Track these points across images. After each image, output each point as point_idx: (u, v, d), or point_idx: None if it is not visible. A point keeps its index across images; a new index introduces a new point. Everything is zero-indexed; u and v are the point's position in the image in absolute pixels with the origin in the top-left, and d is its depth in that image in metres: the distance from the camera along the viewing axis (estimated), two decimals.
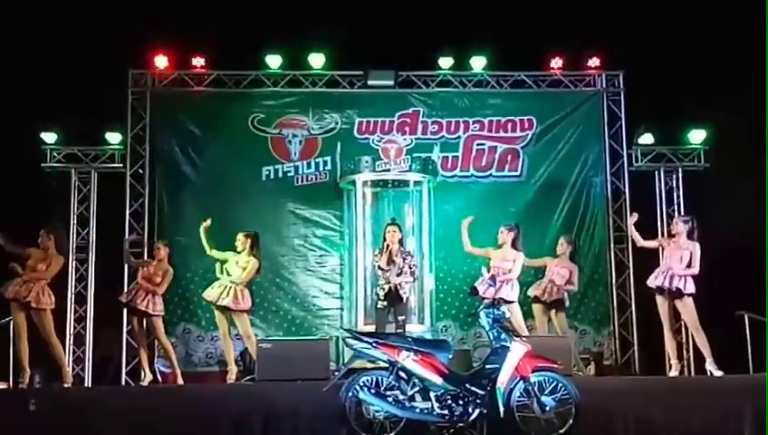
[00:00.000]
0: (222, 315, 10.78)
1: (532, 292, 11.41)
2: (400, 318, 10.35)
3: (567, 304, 11.47)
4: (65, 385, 10.12)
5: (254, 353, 9.99)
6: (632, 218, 10.89)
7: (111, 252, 12.33)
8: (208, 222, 11.09)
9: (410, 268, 10.61)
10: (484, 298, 10.07)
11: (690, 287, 10.11)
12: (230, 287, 10.69)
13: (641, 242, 10.82)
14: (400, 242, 10.75)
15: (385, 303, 10.48)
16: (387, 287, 10.47)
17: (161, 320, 10.92)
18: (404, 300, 10.53)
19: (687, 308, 10.15)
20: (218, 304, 10.69)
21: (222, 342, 11.09)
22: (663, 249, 10.47)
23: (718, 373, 9.92)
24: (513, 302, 10.67)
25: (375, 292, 10.81)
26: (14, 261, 9.99)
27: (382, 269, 10.54)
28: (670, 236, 10.66)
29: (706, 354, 10.11)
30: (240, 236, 10.96)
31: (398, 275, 10.50)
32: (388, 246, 10.58)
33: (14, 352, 9.88)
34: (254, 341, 10.36)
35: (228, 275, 10.80)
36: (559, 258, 11.45)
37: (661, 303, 10.31)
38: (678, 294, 10.09)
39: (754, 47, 11.46)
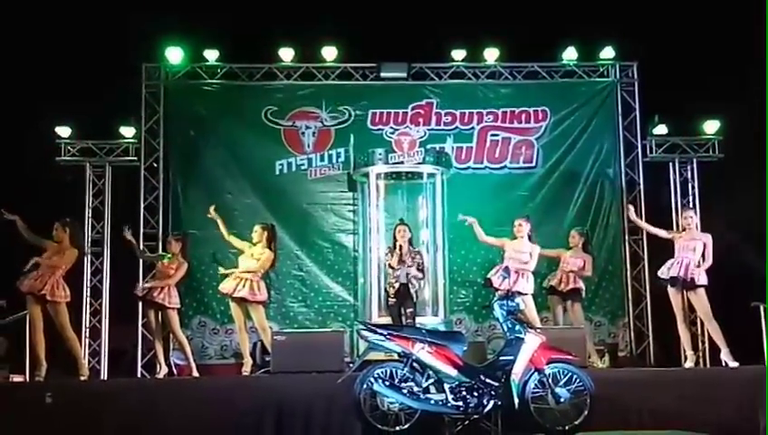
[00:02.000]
0: (238, 308, 10.80)
1: (547, 283, 11.41)
2: (409, 311, 10.47)
3: (583, 294, 11.44)
4: (81, 378, 10.16)
5: (270, 346, 10.01)
6: (630, 212, 11.15)
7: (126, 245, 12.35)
8: (212, 208, 11.15)
9: (419, 266, 10.77)
10: (498, 290, 10.13)
11: (703, 279, 10.10)
12: (246, 279, 10.70)
13: (652, 229, 10.87)
14: (410, 241, 10.87)
15: (395, 299, 10.62)
16: (397, 285, 10.61)
17: (177, 313, 10.96)
18: (413, 297, 10.65)
19: (700, 299, 10.13)
20: (234, 295, 10.70)
21: (237, 334, 11.09)
22: (675, 242, 10.43)
23: (734, 364, 9.90)
24: (527, 294, 10.67)
25: (385, 289, 10.96)
26: (33, 251, 10.04)
27: (392, 268, 10.69)
28: (682, 229, 10.63)
29: (721, 345, 10.09)
30: (257, 228, 10.98)
31: (408, 272, 10.65)
32: (398, 245, 10.73)
33: (30, 346, 9.92)
34: (270, 333, 10.37)
35: (244, 264, 10.81)
36: (572, 250, 11.45)
37: (674, 294, 10.31)
38: (692, 284, 10.08)
39: None
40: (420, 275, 10.82)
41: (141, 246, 12.28)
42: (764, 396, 8.26)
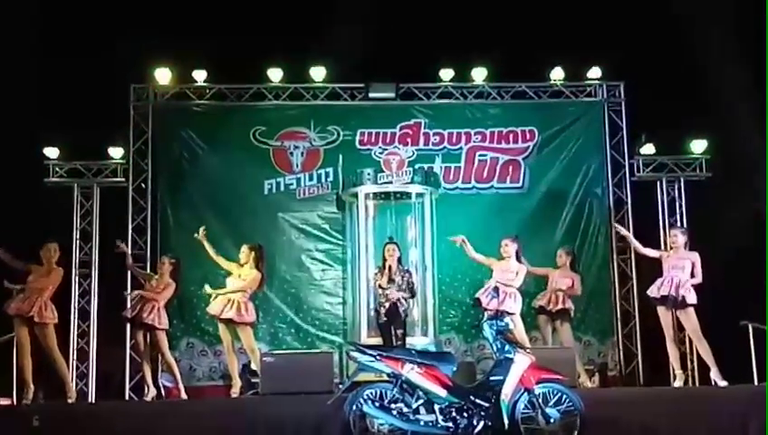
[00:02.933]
0: (225, 329, 10.77)
1: (536, 303, 11.43)
2: (399, 332, 10.47)
3: (572, 314, 11.45)
4: (69, 400, 10.11)
5: (258, 367, 9.97)
6: (620, 229, 11.37)
7: (114, 267, 12.30)
8: (202, 231, 11.10)
9: (409, 285, 10.80)
10: (486, 309, 10.13)
11: (693, 298, 10.12)
12: (233, 300, 10.68)
13: (642, 249, 10.89)
14: (399, 260, 10.89)
15: (385, 319, 10.62)
16: (387, 304, 10.62)
17: (165, 334, 10.92)
18: (402, 316, 10.64)
19: (690, 318, 10.15)
20: (222, 317, 10.67)
21: (226, 356, 11.05)
22: (663, 261, 10.45)
23: (723, 383, 9.91)
24: (515, 314, 10.67)
25: (375, 309, 10.98)
26: (14, 276, 10.00)
27: (382, 287, 10.71)
28: (669, 247, 10.65)
29: (711, 364, 10.11)
30: (244, 249, 10.98)
31: (398, 291, 10.67)
32: (387, 264, 10.76)
33: (17, 368, 9.86)
34: (258, 354, 10.34)
35: (232, 285, 10.79)
36: (560, 269, 11.48)
37: (663, 313, 10.32)
38: (682, 303, 10.09)
39: (756, 56, 11.47)
40: (409, 295, 10.83)
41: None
42: (762, 414, 8.26)
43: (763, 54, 10.77)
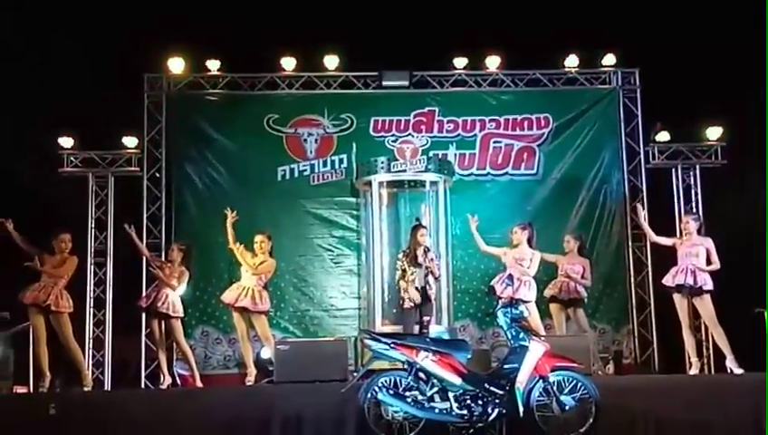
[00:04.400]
0: (240, 317, 10.77)
1: (548, 292, 11.38)
2: (426, 318, 10.17)
3: (585, 299, 11.41)
4: (84, 389, 10.15)
5: (273, 355, 9.97)
6: (641, 211, 11.06)
7: (129, 256, 12.33)
8: (234, 214, 10.90)
9: (437, 268, 10.56)
10: (501, 298, 10.07)
11: (709, 284, 10.08)
12: (248, 288, 10.69)
13: (654, 238, 10.83)
14: (427, 244, 10.62)
15: (412, 304, 10.27)
16: (414, 288, 10.31)
17: (180, 322, 10.94)
18: (431, 299, 10.42)
19: (706, 305, 10.11)
20: (237, 305, 10.68)
21: (240, 344, 11.07)
22: (677, 249, 10.40)
23: (739, 371, 9.87)
24: (530, 301, 10.63)
25: (400, 294, 10.53)
26: (28, 260, 10.00)
27: (406, 271, 10.36)
28: (683, 234, 10.59)
29: (726, 352, 10.06)
30: (261, 237, 10.87)
31: (426, 275, 10.37)
32: (417, 247, 10.44)
33: (33, 357, 9.91)
34: (273, 342, 10.35)
35: (246, 274, 10.77)
36: (568, 256, 11.40)
37: (679, 301, 10.28)
38: (699, 291, 10.05)
39: None
40: (437, 276, 10.58)
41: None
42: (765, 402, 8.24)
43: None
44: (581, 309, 11.35)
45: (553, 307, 11.37)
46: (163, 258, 11.94)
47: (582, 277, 11.30)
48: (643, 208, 11.99)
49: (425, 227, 10.72)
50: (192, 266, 11.09)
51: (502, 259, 11.16)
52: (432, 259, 10.51)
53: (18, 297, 10.02)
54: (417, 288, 10.32)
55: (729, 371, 10.05)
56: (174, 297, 10.71)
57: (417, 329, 10.09)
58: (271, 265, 10.87)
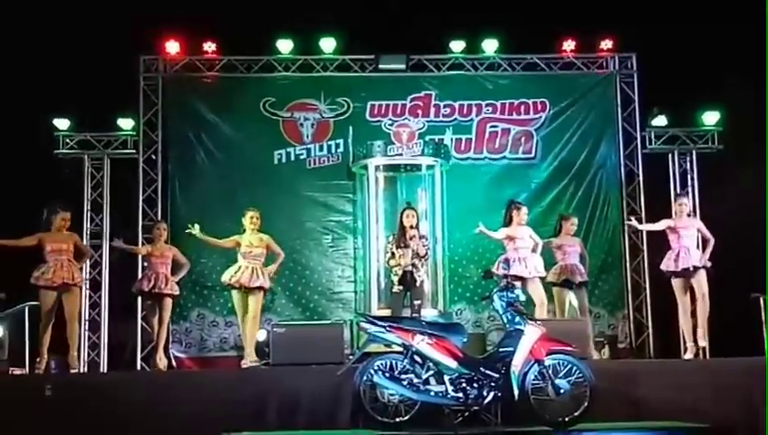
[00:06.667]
0: (240, 299, 10.57)
1: (548, 277, 11.26)
2: (416, 303, 10.04)
3: (585, 278, 11.22)
4: (72, 371, 10.03)
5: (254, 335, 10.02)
6: (634, 223, 11.26)
7: (126, 237, 12.29)
8: (196, 228, 10.58)
9: (425, 251, 10.38)
10: (497, 275, 9.96)
11: (704, 260, 10.11)
12: (255, 268, 10.47)
13: (650, 227, 10.86)
14: (417, 227, 10.43)
15: (400, 287, 10.18)
16: (401, 272, 10.18)
17: (172, 301, 10.80)
18: (419, 283, 10.26)
19: (701, 281, 10.12)
20: (251, 286, 10.45)
21: (241, 326, 10.87)
22: (669, 233, 10.38)
23: (703, 343, 10.11)
24: (526, 278, 10.55)
25: (389, 277, 10.52)
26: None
27: (395, 254, 10.24)
28: (677, 215, 10.57)
29: (701, 324, 10.12)
30: (253, 213, 10.62)
31: (413, 258, 10.21)
32: (404, 229, 10.30)
33: (35, 338, 9.84)
34: (257, 323, 10.34)
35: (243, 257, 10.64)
36: (559, 237, 11.27)
37: (677, 285, 10.29)
38: (694, 270, 10.07)
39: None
40: (425, 262, 10.44)
41: (141, 239, 12.30)
42: (765, 387, 8.26)
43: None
44: (582, 290, 11.14)
45: (555, 291, 11.19)
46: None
47: (581, 256, 11.22)
48: (638, 194, 12.02)
49: (413, 209, 10.52)
50: (189, 249, 11.01)
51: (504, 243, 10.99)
52: (415, 237, 10.22)
53: (31, 280, 9.82)
54: (405, 272, 10.18)
55: (693, 341, 10.23)
56: (167, 276, 10.63)
57: (407, 314, 9.99)
58: (270, 238, 10.74)
